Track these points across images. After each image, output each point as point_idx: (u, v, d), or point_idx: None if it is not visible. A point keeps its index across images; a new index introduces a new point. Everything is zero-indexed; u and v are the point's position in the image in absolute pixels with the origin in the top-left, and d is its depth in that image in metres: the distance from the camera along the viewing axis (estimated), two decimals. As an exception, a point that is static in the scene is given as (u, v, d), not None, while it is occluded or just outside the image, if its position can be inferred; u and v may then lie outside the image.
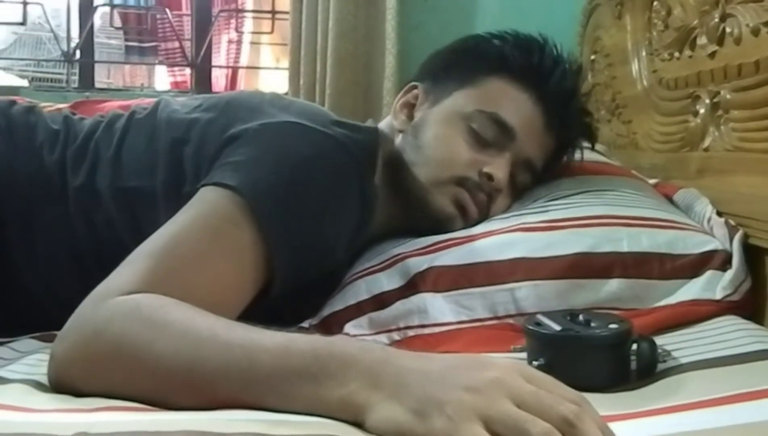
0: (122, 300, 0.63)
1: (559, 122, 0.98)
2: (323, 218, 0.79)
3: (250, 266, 0.73)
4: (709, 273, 0.87)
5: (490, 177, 0.93)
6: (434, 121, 0.97)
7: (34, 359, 0.72)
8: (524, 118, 0.95)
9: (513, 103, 0.95)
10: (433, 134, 0.95)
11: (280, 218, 0.74)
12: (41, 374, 0.66)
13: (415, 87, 1.03)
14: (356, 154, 0.82)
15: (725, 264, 0.88)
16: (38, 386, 0.64)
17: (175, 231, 0.71)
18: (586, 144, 1.08)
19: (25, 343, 0.80)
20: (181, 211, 0.74)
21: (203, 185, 0.77)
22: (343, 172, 0.81)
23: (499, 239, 0.89)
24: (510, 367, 0.51)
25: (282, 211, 0.74)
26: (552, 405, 0.47)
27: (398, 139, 0.99)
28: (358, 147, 0.84)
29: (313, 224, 0.78)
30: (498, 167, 0.93)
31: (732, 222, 0.94)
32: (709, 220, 0.97)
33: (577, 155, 1.07)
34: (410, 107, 1.01)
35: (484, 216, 0.95)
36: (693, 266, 0.87)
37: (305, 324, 0.88)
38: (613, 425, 0.53)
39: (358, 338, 0.81)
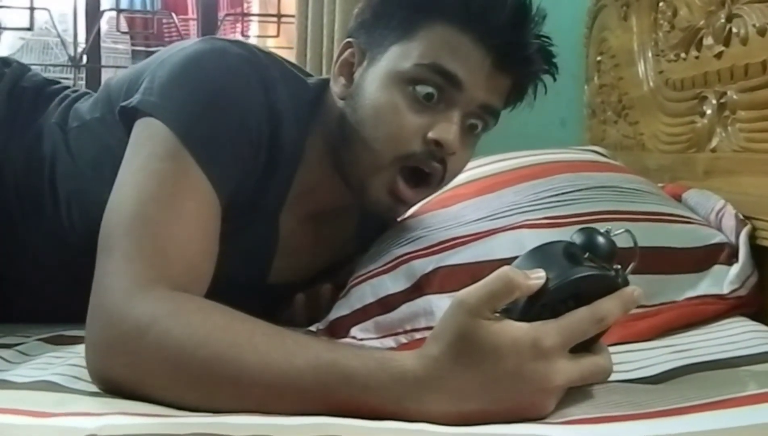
0: (158, 298, 0.64)
1: (510, 59, 0.86)
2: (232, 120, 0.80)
3: (206, 189, 0.75)
4: (715, 268, 0.87)
5: (438, 143, 0.84)
6: (371, 87, 0.87)
7: (43, 362, 0.73)
8: (468, 62, 0.84)
9: (453, 48, 0.84)
10: (370, 105, 0.86)
11: (204, 137, 0.76)
12: (52, 373, 0.67)
13: (351, 44, 0.92)
14: (264, 73, 0.84)
15: (731, 258, 0.88)
16: (50, 385, 0.64)
17: (134, 194, 0.71)
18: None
19: (33, 346, 0.80)
20: (125, 166, 0.75)
21: (123, 108, 0.80)
22: (243, 75, 0.82)
23: (505, 236, 0.88)
24: (516, 347, 0.55)
25: (203, 130, 0.76)
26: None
27: (344, 109, 0.90)
28: (280, 71, 0.87)
29: (226, 128, 0.79)
30: (445, 130, 0.84)
31: (741, 216, 0.93)
32: (717, 212, 0.97)
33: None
34: (350, 67, 0.91)
35: (440, 182, 0.89)
36: (699, 260, 0.87)
37: (312, 328, 0.89)
38: (621, 426, 0.53)
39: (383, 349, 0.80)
